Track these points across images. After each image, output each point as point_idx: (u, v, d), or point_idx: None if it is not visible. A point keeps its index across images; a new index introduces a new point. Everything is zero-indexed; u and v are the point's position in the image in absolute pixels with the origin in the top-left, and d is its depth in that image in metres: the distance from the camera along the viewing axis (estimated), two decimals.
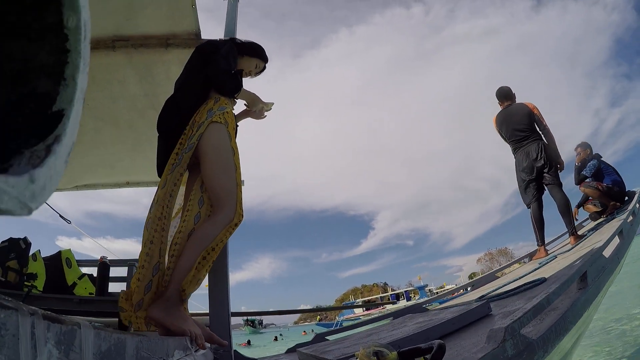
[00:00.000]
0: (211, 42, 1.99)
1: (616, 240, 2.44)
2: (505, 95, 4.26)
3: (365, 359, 1.00)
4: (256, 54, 2.20)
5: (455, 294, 4.32)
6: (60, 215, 4.17)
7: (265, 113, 2.29)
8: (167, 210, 1.59)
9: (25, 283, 2.94)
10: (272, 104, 2.27)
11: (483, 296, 2.20)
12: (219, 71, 1.81)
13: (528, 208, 4.01)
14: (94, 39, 2.78)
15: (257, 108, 2.19)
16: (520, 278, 2.55)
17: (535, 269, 2.78)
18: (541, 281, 1.93)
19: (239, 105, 2.25)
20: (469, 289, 4.09)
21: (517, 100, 4.25)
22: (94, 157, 3.65)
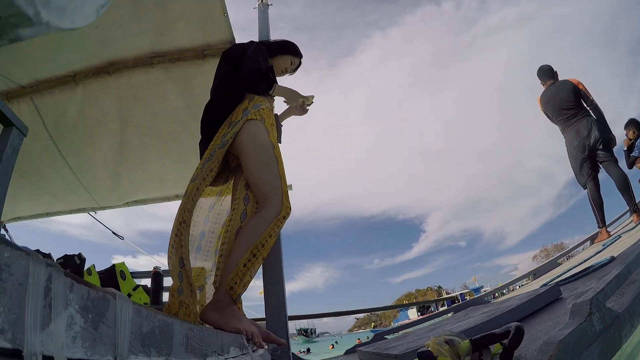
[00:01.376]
0: (237, 45, 2.04)
1: None
2: (547, 73, 4.09)
3: (436, 347, 0.93)
4: (288, 51, 2.22)
5: (513, 287, 4.08)
6: (113, 232, 4.35)
7: (308, 107, 2.25)
8: (191, 204, 1.57)
9: None
10: (313, 97, 2.20)
11: (548, 283, 2.04)
12: (249, 72, 1.82)
13: (584, 189, 3.77)
14: (132, 58, 2.89)
15: (296, 103, 2.16)
16: (585, 261, 2.35)
17: (600, 251, 2.56)
18: (610, 260, 1.77)
19: (282, 106, 2.25)
20: (529, 278, 3.85)
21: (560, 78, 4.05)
22: (141, 173, 3.78)
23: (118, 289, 3.46)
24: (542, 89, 4.11)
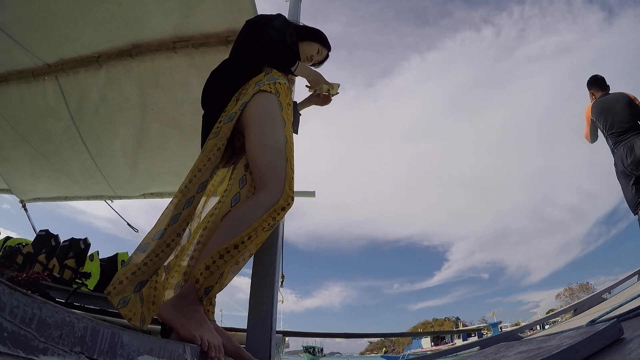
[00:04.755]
0: (263, 15, 1.83)
1: None
2: (600, 83, 3.81)
3: None
4: (317, 39, 2.02)
5: (549, 321, 3.70)
6: (128, 223, 4.26)
7: (332, 97, 2.02)
8: (190, 185, 1.33)
9: (77, 280, 2.94)
10: (339, 85, 1.96)
11: (597, 319, 1.72)
12: (271, 42, 1.62)
13: (635, 214, 3.35)
14: (155, 41, 2.80)
15: (319, 89, 1.92)
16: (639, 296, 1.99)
17: None
18: None
19: (304, 93, 2.03)
20: (568, 314, 3.45)
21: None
22: (159, 164, 3.67)
23: None
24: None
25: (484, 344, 2.17)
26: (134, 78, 3.04)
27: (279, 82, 1.54)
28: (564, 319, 3.53)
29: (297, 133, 1.93)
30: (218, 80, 1.65)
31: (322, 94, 1.96)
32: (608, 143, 3.63)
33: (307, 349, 49.52)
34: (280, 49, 1.64)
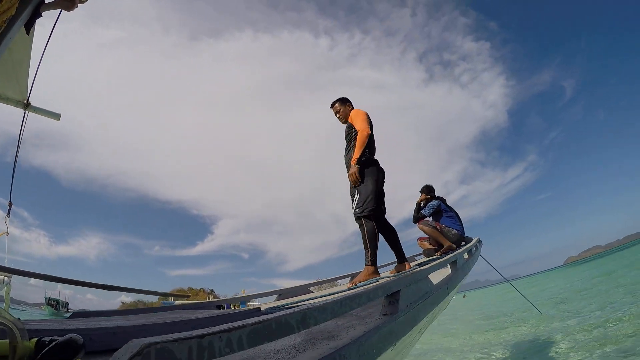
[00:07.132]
0: None
1: (448, 270, 2.28)
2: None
3: None
4: None
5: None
6: None
7: (78, 4, 1.82)
8: None
9: None
10: None
11: (275, 307, 1.77)
12: None
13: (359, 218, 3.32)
14: None
15: None
16: (329, 295, 2.19)
17: (335, 293, 2.41)
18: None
19: None
20: (275, 297, 3.65)
21: None
22: None
23: None
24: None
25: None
26: None
27: None
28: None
29: (27, 34, 1.76)
30: None
31: None
32: (366, 148, 3.58)
33: (50, 302, 41.14)
34: None
